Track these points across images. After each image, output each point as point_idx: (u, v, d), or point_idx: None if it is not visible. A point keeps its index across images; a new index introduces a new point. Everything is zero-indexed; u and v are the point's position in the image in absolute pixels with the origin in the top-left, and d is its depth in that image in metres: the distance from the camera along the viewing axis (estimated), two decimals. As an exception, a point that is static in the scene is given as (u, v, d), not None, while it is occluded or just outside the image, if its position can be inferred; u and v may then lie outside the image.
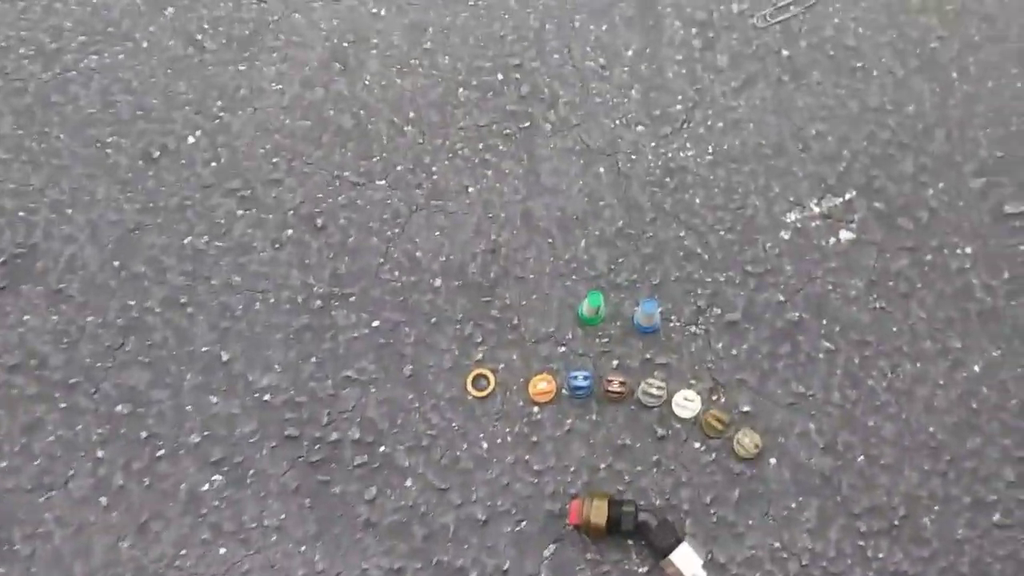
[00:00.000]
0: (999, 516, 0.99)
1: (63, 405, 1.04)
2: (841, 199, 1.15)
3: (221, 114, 1.20)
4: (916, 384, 1.05)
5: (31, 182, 1.15)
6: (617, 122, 1.19)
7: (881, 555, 0.97)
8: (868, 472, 1.01)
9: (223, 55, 1.23)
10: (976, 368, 1.05)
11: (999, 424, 1.03)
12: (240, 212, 1.14)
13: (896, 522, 0.99)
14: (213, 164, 1.17)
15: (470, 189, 1.15)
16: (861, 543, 0.98)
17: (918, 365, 1.06)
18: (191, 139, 1.18)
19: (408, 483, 1.01)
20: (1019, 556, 0.97)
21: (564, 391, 1.04)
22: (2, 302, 1.08)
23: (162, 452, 1.02)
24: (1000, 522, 0.99)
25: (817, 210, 1.15)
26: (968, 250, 1.12)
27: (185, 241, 1.12)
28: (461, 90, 1.21)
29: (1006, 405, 1.04)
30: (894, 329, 1.07)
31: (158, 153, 1.17)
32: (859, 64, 1.22)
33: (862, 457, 1.01)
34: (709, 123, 1.19)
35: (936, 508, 0.99)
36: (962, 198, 1.15)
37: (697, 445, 1.02)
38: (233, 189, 1.15)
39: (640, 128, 1.19)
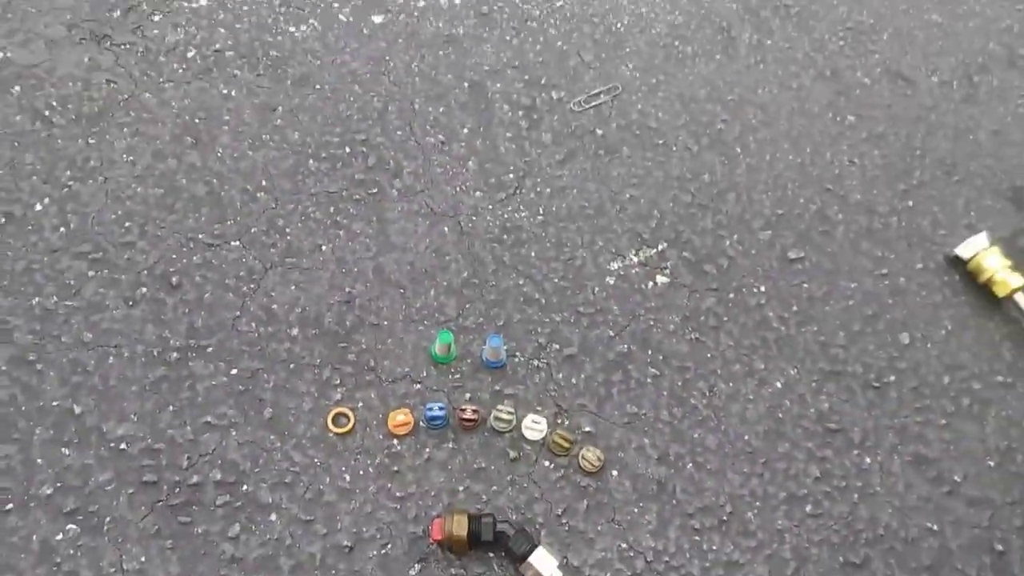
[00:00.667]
0: (811, 507, 1.21)
1: None
2: (655, 250, 1.41)
3: (70, 183, 1.31)
4: (730, 401, 1.27)
5: None
6: (458, 188, 1.41)
7: (715, 547, 1.16)
8: (697, 477, 1.20)
9: (72, 129, 1.35)
10: (778, 384, 1.30)
11: (802, 430, 1.27)
12: (91, 273, 1.23)
13: (725, 518, 1.18)
14: (62, 229, 1.27)
15: (323, 247, 1.31)
16: (696, 538, 1.16)
17: (730, 385, 1.29)
18: (39, 206, 1.28)
19: (272, 518, 1.10)
20: (831, 540, 1.19)
21: (421, 423, 1.18)
22: None
23: (10, 506, 1.06)
24: (812, 512, 1.21)
25: (636, 259, 1.39)
26: (763, 288, 1.39)
27: (33, 302, 1.20)
28: (311, 161, 1.39)
29: (806, 414, 1.28)
30: (708, 355, 1.31)
31: (2, 220, 1.25)
32: (661, 141, 1.52)
33: (691, 465, 1.21)
34: (538, 189, 1.43)
35: (757, 504, 1.20)
36: (754, 247, 1.44)
37: (547, 463, 1.18)
38: (83, 252, 1.25)
39: (478, 193, 1.41)
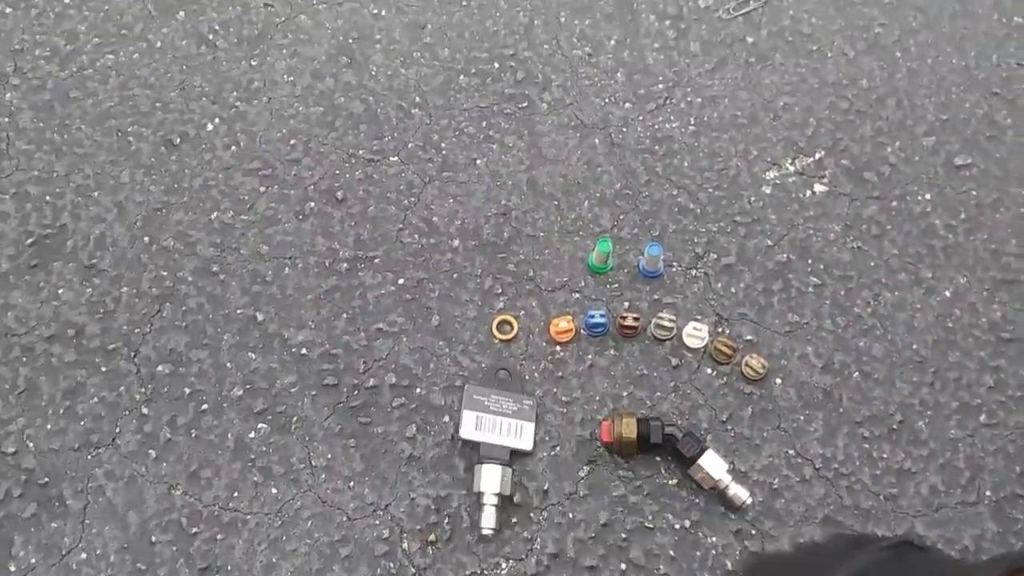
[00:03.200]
0: (984, 417, 1.15)
1: (104, 369, 1.12)
2: (812, 158, 1.34)
3: (237, 104, 1.32)
4: (896, 310, 1.21)
5: (55, 169, 1.25)
6: (606, 100, 1.36)
7: (885, 456, 1.11)
8: (864, 386, 1.15)
9: (235, 52, 1.36)
10: (947, 293, 1.22)
11: (973, 340, 1.19)
12: (263, 189, 1.26)
13: (895, 427, 1.13)
14: (233, 148, 1.29)
15: (477, 162, 1.30)
16: (866, 447, 1.12)
17: (896, 294, 1.22)
18: (210, 126, 1.30)
19: (445, 419, 1.11)
20: (1007, 450, 1.12)
21: (582, 330, 1.16)
22: (34, 279, 1.17)
23: (206, 407, 1.11)
24: (987, 421, 1.14)
25: (792, 168, 1.33)
26: (928, 196, 1.30)
27: (212, 216, 1.23)
28: (462, 77, 1.37)
29: (978, 323, 1.20)
30: (871, 264, 1.24)
31: (178, 140, 1.28)
32: (814, 47, 1.43)
33: (857, 374, 1.16)
34: (688, 99, 1.37)
35: (928, 413, 1.14)
36: (917, 154, 1.35)
37: (709, 371, 1.15)
38: (254, 169, 1.27)
39: (628, 105, 1.36)
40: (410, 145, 1.31)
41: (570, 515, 1.07)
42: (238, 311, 1.17)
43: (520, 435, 1.07)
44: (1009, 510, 1.09)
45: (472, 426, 1.07)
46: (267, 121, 1.31)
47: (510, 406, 1.09)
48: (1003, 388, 1.16)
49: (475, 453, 1.06)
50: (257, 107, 1.32)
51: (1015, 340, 1.20)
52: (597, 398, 1.14)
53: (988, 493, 1.10)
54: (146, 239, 1.21)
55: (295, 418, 1.10)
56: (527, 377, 1.15)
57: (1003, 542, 1.08)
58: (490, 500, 1.01)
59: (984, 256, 1.26)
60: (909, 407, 1.15)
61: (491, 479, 1.02)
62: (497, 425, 1.07)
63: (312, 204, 1.25)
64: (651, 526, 1.07)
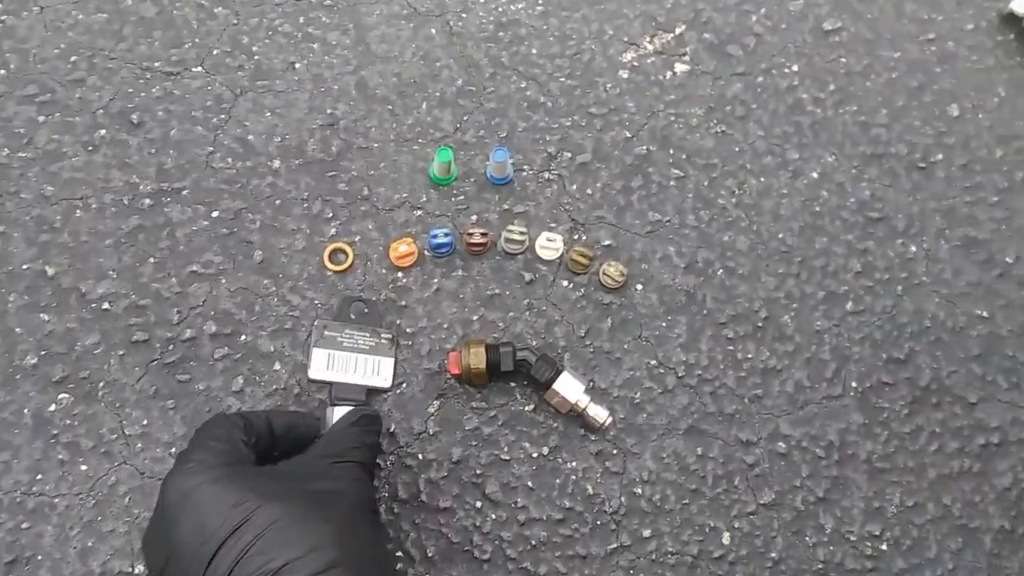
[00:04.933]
0: (851, 304, 1.09)
1: None
2: (672, 34, 1.21)
3: (3, 18, 1.11)
4: (762, 197, 1.12)
5: None
6: (440, -18, 1.19)
7: (750, 356, 1.05)
8: (728, 283, 1.08)
9: (-8, -48, 1.14)
10: (815, 175, 1.14)
11: (841, 222, 1.12)
12: (41, 118, 1.08)
13: (759, 324, 1.07)
14: (1, 71, 1.09)
15: (296, 65, 1.13)
16: (730, 348, 1.05)
17: (762, 180, 1.13)
18: (-30, 47, 1.09)
19: (276, 367, 1.00)
20: (873, 337, 1.08)
21: (426, 252, 1.05)
22: None
23: (-5, 379, 0.97)
24: (853, 309, 1.09)
25: (651, 48, 1.20)
26: (795, 68, 1.20)
27: (-18, 156, 1.05)
28: (270, -36, 1.17)
29: (846, 204, 1.13)
30: (736, 149, 1.15)
31: (-67, 66, 1.08)
32: (671, -97, 1.27)
33: (721, 271, 1.09)
34: (534, -26, 1.21)
35: (794, 307, 1.08)
36: (784, 21, 1.23)
37: (565, 283, 1.06)
38: (29, 95, 1.09)
39: (465, -15, 1.19)
40: (215, 52, 1.13)
41: (420, 455, 0.99)
42: (24, 266, 1.01)
43: (378, 372, 0.98)
44: (875, 400, 1.06)
45: (323, 365, 0.97)
46: (41, 36, 1.11)
47: (366, 341, 0.98)
48: (870, 272, 1.11)
49: (327, 396, 0.96)
50: (27, 20, 1.12)
51: (883, 219, 1.14)
52: (445, 325, 1.04)
53: (854, 384, 1.06)
54: (-97, 190, 1.03)
55: (102, 383, 0.98)
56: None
57: (868, 434, 1.05)
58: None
59: (853, 130, 1.18)
60: (774, 301, 1.09)
61: None
62: (352, 363, 0.97)
63: (103, 132, 1.08)
64: (507, 458, 1.00)
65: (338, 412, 0.93)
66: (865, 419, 1.05)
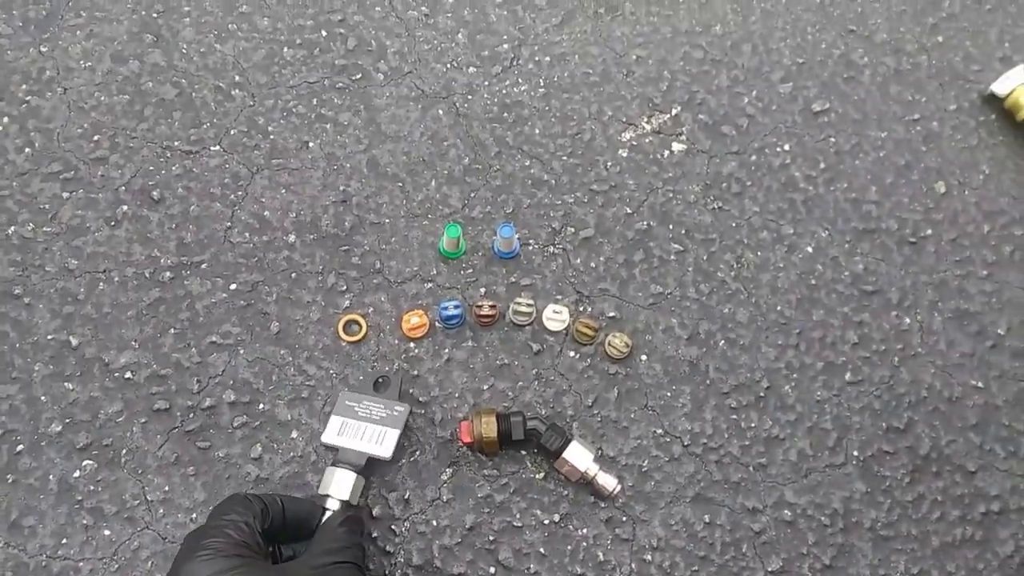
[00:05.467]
0: (849, 375, 1.21)
1: None
2: (668, 115, 1.36)
3: (28, 98, 1.25)
4: (759, 271, 1.26)
5: None
6: (448, 66, 1.34)
7: (753, 425, 1.17)
8: (730, 354, 1.20)
9: (20, 38, 1.28)
10: (809, 249, 1.28)
11: (837, 295, 1.25)
12: (66, 195, 1.20)
13: (761, 394, 1.18)
14: (27, 150, 1.22)
15: (310, 144, 1.27)
16: (734, 417, 1.17)
17: (759, 254, 1.27)
18: (-2, 127, 1.22)
19: (294, 435, 1.10)
20: (872, 407, 1.19)
21: (437, 323, 1.16)
22: None
23: (21, 447, 1.06)
24: (852, 379, 1.21)
25: (648, 127, 1.35)
26: (787, 147, 1.35)
27: (9, 231, 1.16)
28: (286, 49, 1.32)
29: (840, 277, 1.27)
30: (733, 225, 1.28)
31: (-39, 145, 1.20)
32: (666, -8, 1.44)
33: (723, 342, 1.21)
34: (536, 58, 1.37)
35: (794, 376, 1.20)
36: (774, 102, 1.39)
37: (572, 354, 1.18)
38: (54, 172, 1.21)
39: (472, 69, 1.35)
40: (232, 132, 1.26)
41: (434, 522, 1.09)
42: (49, 337, 1.12)
43: (381, 441, 1.07)
44: (877, 468, 1.17)
45: (335, 431, 1.07)
46: (65, 116, 1.24)
47: (379, 412, 1.09)
48: (867, 343, 1.23)
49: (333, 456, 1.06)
50: (52, 100, 1.25)
51: (877, 292, 1.26)
52: (457, 395, 1.15)
53: (855, 453, 1.17)
54: (-69, 264, 1.14)
55: (124, 450, 1.07)
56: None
57: (872, 502, 1.15)
58: (332, 505, 1.01)
59: (844, 206, 1.32)
60: (775, 372, 1.21)
61: (340, 484, 1.01)
62: (360, 430, 1.07)
63: (125, 208, 1.20)
64: (519, 524, 1.09)
65: (337, 473, 1.03)
66: (868, 487, 1.16)
